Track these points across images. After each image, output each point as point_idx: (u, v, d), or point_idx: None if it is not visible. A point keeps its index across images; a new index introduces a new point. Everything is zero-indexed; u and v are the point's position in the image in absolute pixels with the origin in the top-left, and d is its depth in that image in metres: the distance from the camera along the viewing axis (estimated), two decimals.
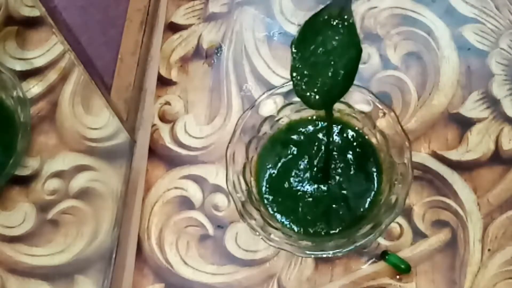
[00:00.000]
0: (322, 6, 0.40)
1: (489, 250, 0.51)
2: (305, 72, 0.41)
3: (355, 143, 0.52)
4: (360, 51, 0.40)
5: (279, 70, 0.60)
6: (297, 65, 0.41)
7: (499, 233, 0.51)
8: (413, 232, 0.52)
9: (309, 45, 0.41)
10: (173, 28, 0.64)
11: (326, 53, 0.41)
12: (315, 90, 0.42)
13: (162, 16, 0.65)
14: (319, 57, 0.41)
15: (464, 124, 0.56)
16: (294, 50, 0.41)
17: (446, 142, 0.55)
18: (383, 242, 0.52)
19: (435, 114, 0.57)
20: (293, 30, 0.62)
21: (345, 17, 0.40)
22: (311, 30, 0.41)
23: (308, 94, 0.42)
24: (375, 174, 0.50)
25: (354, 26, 0.40)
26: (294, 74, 0.42)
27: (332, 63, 0.41)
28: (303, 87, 0.42)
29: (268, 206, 0.51)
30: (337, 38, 0.40)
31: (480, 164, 0.54)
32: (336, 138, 0.52)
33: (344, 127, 0.52)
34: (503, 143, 0.55)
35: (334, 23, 0.40)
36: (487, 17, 0.61)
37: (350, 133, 0.52)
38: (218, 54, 0.62)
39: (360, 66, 0.59)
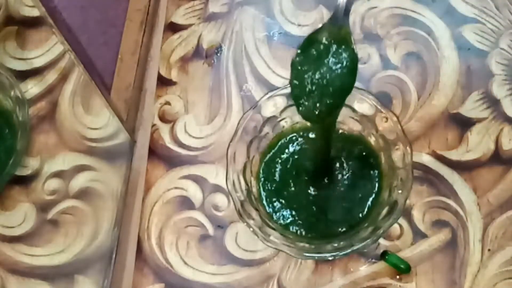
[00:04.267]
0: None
1: (489, 250, 0.51)
2: (304, 89, 0.42)
3: (356, 147, 0.52)
4: (355, 70, 0.41)
5: (279, 70, 0.60)
6: (296, 82, 0.42)
7: (499, 233, 0.51)
8: (413, 232, 0.52)
9: (308, 63, 0.41)
10: (173, 28, 0.64)
11: (324, 72, 0.41)
12: (311, 105, 0.42)
13: (162, 16, 0.65)
14: (317, 75, 0.41)
15: (464, 124, 0.56)
16: (294, 67, 0.42)
17: (446, 142, 0.55)
18: (383, 242, 0.52)
19: (435, 114, 0.57)
20: (293, 30, 0.62)
21: (344, 41, 0.41)
22: (310, 48, 0.41)
23: (305, 109, 0.42)
24: (375, 178, 0.50)
25: (354, 50, 0.41)
26: (294, 91, 0.42)
27: (328, 82, 0.41)
28: (302, 102, 0.42)
29: (267, 206, 0.51)
30: (335, 59, 0.41)
31: (480, 164, 0.54)
32: (338, 142, 0.52)
33: (346, 131, 0.52)
34: (503, 143, 0.55)
35: (333, 44, 0.41)
36: (487, 17, 0.60)
37: (352, 137, 0.52)
38: (218, 54, 0.62)
39: (360, 66, 0.59)
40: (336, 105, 0.42)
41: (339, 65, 0.41)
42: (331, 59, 0.41)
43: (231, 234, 0.54)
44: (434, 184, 0.54)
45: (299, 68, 0.42)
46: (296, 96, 0.42)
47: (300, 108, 0.42)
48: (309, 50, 0.41)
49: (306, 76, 0.41)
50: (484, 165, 0.54)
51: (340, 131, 0.52)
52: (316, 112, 0.42)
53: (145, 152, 0.58)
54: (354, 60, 0.41)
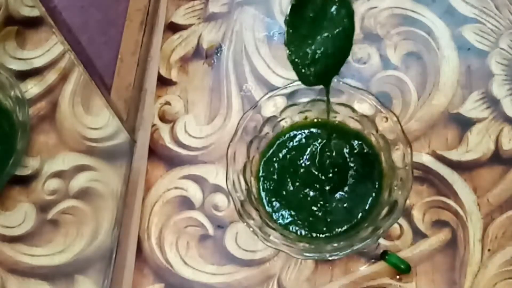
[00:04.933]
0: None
1: (489, 250, 0.51)
2: (301, 48, 0.41)
3: (356, 147, 0.52)
4: (352, 30, 0.39)
5: (279, 70, 0.60)
6: (291, 42, 0.41)
7: (499, 233, 0.51)
8: (413, 232, 0.52)
9: (303, 20, 0.40)
10: (173, 28, 0.64)
11: (320, 28, 0.40)
12: (310, 66, 0.41)
13: (162, 16, 0.65)
14: (313, 33, 0.40)
15: (464, 124, 0.56)
16: (288, 24, 0.40)
17: (446, 142, 0.55)
18: (383, 242, 0.52)
19: (435, 114, 0.57)
20: None
21: None
22: (304, 6, 0.40)
23: (304, 70, 0.42)
24: (375, 178, 0.50)
25: (350, 5, 0.39)
26: (290, 52, 0.41)
27: (326, 39, 0.40)
28: (299, 63, 0.42)
29: (267, 206, 0.51)
30: (331, 19, 0.40)
31: (480, 164, 0.54)
32: (337, 141, 0.52)
33: (346, 130, 0.52)
34: (503, 143, 0.55)
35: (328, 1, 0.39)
36: (487, 17, 0.61)
37: (352, 136, 0.52)
38: (218, 54, 0.62)
39: (360, 66, 0.59)
40: (334, 68, 0.41)
41: (335, 26, 0.39)
42: (327, 19, 0.39)
43: (231, 234, 0.54)
44: (434, 184, 0.54)
45: (294, 30, 0.40)
46: (293, 61, 0.41)
47: (298, 73, 0.41)
48: (302, 9, 0.40)
49: (301, 39, 0.40)
50: (484, 165, 0.54)
51: (341, 131, 0.52)
52: (313, 76, 0.41)
53: (145, 152, 0.58)
54: (350, 17, 0.39)
